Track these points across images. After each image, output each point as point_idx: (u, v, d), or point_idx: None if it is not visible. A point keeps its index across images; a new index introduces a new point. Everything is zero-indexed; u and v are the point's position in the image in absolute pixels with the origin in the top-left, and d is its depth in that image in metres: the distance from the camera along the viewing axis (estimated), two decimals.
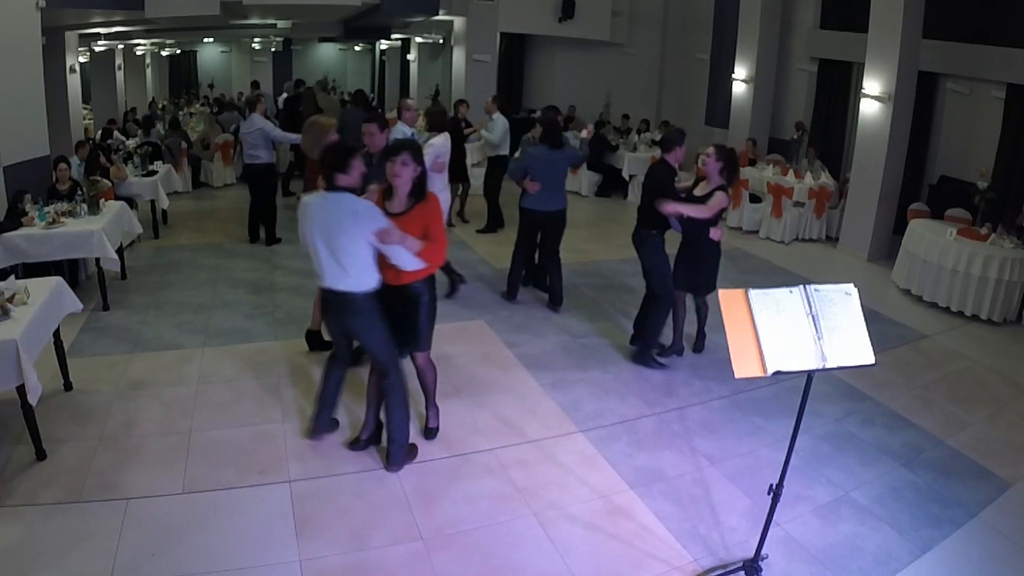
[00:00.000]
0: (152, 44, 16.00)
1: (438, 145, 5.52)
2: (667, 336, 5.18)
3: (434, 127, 5.82)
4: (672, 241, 4.87)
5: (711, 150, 4.72)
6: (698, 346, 5.29)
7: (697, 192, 4.76)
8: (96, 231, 5.42)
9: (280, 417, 4.12)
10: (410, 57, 17.06)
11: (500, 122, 8.40)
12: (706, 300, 5.10)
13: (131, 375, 4.57)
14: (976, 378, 5.17)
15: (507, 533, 3.25)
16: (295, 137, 7.07)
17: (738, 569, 3.01)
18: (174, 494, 3.39)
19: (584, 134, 6.20)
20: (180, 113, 13.61)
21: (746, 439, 4.15)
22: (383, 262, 3.40)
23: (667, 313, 4.96)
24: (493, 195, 8.37)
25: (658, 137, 10.78)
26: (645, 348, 5.02)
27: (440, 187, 5.60)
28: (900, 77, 7.50)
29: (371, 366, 3.75)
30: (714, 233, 4.72)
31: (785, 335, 2.58)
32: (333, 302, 3.45)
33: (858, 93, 8.19)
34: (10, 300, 3.71)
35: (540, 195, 5.59)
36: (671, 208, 4.51)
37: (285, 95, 11.61)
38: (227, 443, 3.83)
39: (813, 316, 2.63)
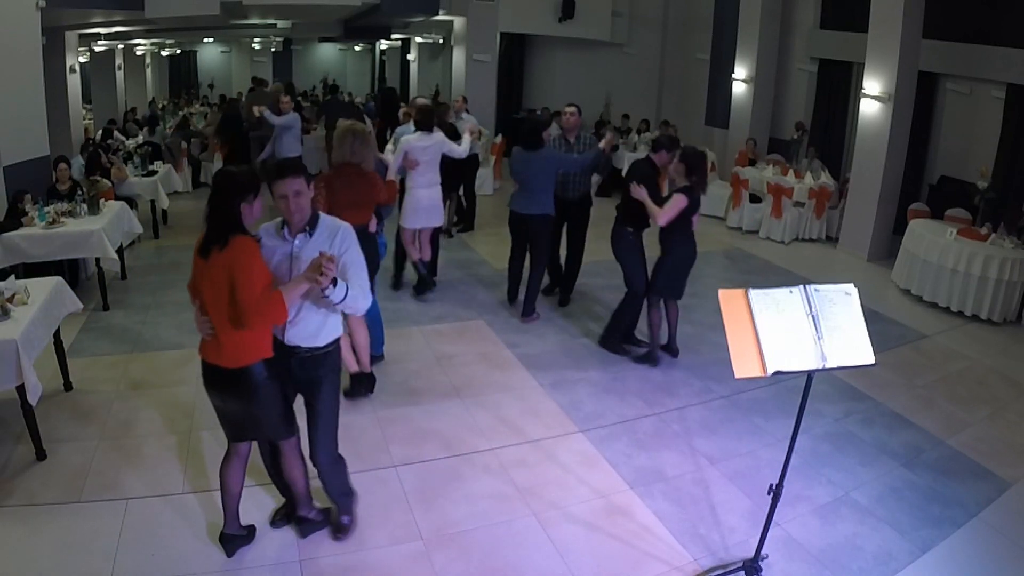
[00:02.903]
0: (152, 44, 16.02)
1: (404, 142, 5.61)
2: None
3: (418, 126, 5.79)
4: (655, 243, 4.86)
5: (677, 152, 4.72)
6: (672, 349, 5.13)
7: (665, 193, 4.78)
8: (96, 231, 5.42)
9: None
10: (410, 57, 17.09)
11: (469, 122, 8.24)
12: (676, 307, 4.96)
13: (131, 375, 4.57)
14: (976, 378, 5.17)
15: (507, 533, 3.25)
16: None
17: (738, 569, 3.01)
18: (174, 494, 3.39)
19: (603, 143, 5.53)
20: (180, 113, 13.62)
21: (746, 439, 4.15)
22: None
23: (635, 310, 4.96)
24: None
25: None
26: (609, 334, 5.05)
27: (420, 184, 5.68)
28: (900, 77, 7.50)
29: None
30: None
31: (785, 335, 2.58)
32: None
33: (858, 93, 8.18)
34: (10, 300, 3.71)
35: (520, 197, 5.46)
36: (640, 194, 4.56)
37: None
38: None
39: (813, 316, 2.63)
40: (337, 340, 2.91)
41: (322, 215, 2.83)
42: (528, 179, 5.37)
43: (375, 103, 15.01)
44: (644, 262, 4.93)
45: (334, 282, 2.57)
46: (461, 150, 5.94)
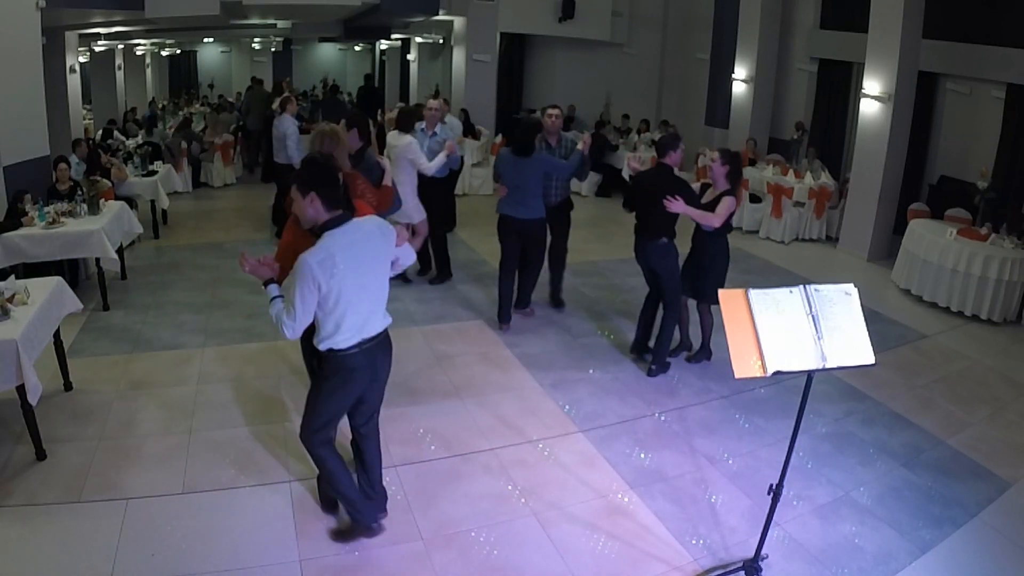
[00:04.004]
0: (152, 44, 16.02)
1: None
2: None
3: (394, 125, 5.93)
4: (683, 244, 4.85)
5: (716, 155, 4.69)
6: (700, 357, 5.10)
7: (705, 199, 4.71)
8: (96, 231, 5.42)
9: (280, 417, 4.12)
10: (410, 57, 17.07)
11: (454, 126, 8.02)
12: (710, 310, 4.94)
13: (131, 375, 4.57)
14: (976, 378, 5.17)
15: (507, 533, 3.25)
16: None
17: (738, 569, 3.01)
18: (174, 494, 3.39)
19: (580, 145, 5.40)
20: (181, 113, 13.63)
21: (746, 439, 4.15)
22: None
23: (676, 322, 4.91)
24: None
25: (658, 137, 10.79)
26: (660, 362, 4.90)
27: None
28: (900, 77, 7.50)
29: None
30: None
31: (785, 335, 2.58)
32: (381, 348, 2.94)
33: (858, 93, 8.19)
34: (10, 300, 3.71)
35: (511, 201, 5.29)
36: (679, 207, 4.41)
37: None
38: (227, 443, 3.83)
39: (813, 316, 2.63)
40: (327, 352, 2.79)
41: (332, 234, 2.66)
42: (520, 184, 5.24)
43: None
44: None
45: (267, 283, 2.81)
46: (427, 166, 5.74)
